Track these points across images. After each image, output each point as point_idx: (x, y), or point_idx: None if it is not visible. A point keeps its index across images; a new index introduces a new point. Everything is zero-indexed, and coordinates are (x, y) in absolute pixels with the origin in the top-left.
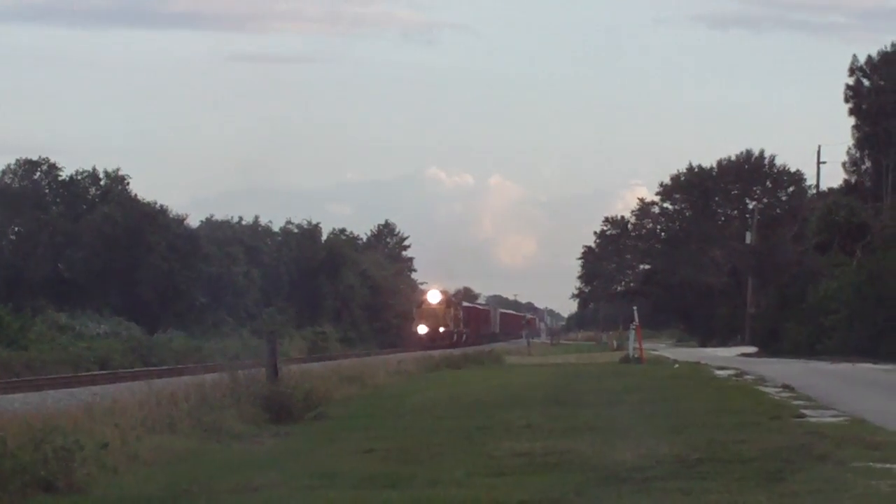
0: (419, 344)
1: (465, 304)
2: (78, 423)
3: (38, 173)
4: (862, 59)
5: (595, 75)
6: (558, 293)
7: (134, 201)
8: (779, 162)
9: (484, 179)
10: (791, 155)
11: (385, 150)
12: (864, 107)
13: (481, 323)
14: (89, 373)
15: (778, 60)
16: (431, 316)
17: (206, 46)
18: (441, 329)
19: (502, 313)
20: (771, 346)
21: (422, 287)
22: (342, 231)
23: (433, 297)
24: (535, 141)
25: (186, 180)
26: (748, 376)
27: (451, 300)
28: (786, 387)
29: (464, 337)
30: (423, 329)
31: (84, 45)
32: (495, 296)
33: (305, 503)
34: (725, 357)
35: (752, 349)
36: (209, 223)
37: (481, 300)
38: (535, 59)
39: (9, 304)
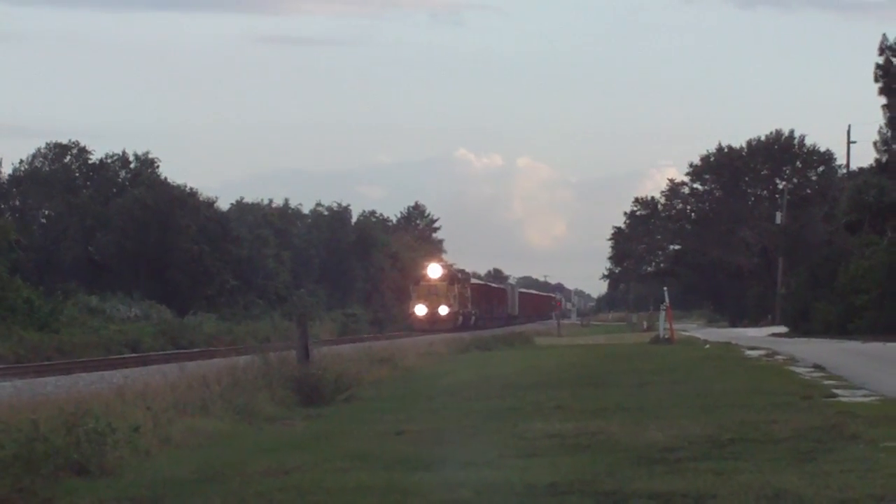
0: (417, 327)
1: (474, 280)
2: (110, 406)
3: (69, 157)
4: (892, 38)
5: (623, 55)
6: (588, 274)
7: (164, 184)
8: (809, 142)
9: (513, 160)
10: (821, 134)
11: (414, 131)
12: (894, 86)
13: (495, 303)
14: (120, 356)
15: (807, 39)
16: (432, 294)
17: (235, 29)
18: (443, 310)
19: (521, 293)
20: (801, 326)
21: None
22: (372, 213)
23: (434, 271)
24: (564, 121)
25: (216, 163)
26: (779, 356)
27: (455, 275)
28: (817, 367)
29: (472, 319)
30: (421, 309)
31: (113, 28)
32: (525, 277)
33: (338, 485)
34: (756, 337)
35: (782, 329)
36: (239, 206)
37: (511, 281)
38: (563, 39)
39: (40, 288)
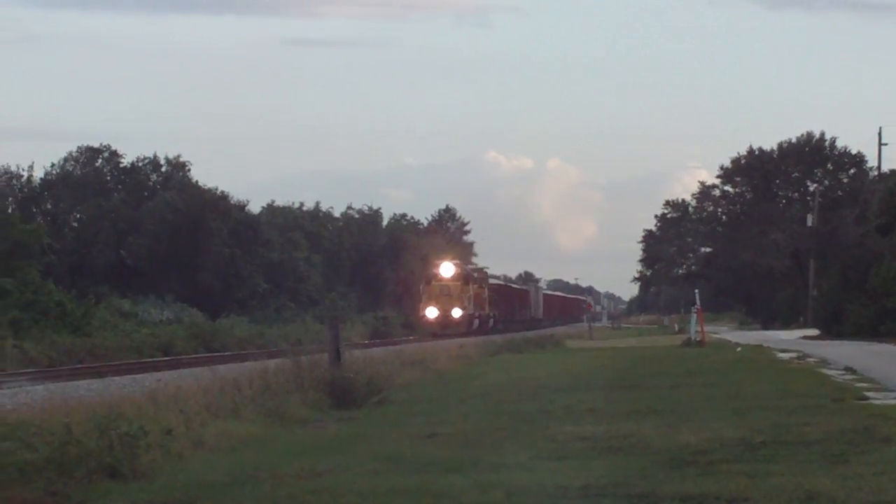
0: (428, 331)
1: (493, 281)
2: (142, 409)
3: (100, 160)
4: None
5: (651, 56)
6: (619, 276)
7: (195, 187)
8: (840, 144)
9: (543, 163)
10: (852, 137)
11: (443, 134)
12: None
13: (517, 305)
14: (152, 359)
15: (838, 41)
16: (444, 295)
17: (262, 32)
18: (456, 312)
19: (546, 295)
20: (833, 328)
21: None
22: (403, 216)
23: (446, 270)
24: (593, 123)
25: (244, 165)
26: (811, 359)
27: (470, 275)
28: (848, 369)
29: (490, 322)
30: (432, 312)
31: (142, 32)
32: (556, 279)
33: (369, 488)
34: (787, 340)
35: (814, 331)
36: (270, 209)
37: (541, 284)
38: (590, 41)
39: (72, 291)
